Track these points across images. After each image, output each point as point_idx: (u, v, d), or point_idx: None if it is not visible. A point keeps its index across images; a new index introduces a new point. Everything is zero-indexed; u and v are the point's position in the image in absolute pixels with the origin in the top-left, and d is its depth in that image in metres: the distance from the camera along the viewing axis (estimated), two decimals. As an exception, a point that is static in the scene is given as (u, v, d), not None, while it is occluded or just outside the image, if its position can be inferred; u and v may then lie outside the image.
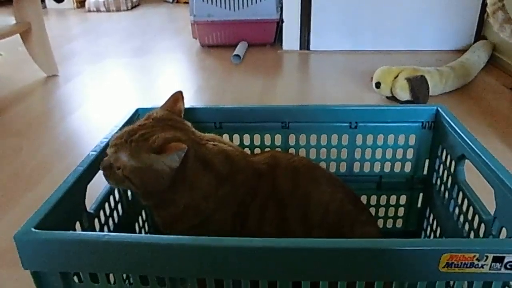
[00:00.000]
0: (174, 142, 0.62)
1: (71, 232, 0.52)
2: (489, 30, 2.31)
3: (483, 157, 0.64)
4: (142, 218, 0.87)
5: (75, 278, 0.53)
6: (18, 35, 2.08)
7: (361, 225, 0.73)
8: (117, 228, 0.74)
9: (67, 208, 0.58)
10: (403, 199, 0.92)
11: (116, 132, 0.68)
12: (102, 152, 0.69)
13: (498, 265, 0.45)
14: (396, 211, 0.93)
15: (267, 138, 0.87)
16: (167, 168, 0.62)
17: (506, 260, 0.44)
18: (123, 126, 0.79)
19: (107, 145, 0.71)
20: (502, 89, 1.89)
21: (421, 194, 0.91)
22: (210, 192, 0.66)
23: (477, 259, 0.45)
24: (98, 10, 4.07)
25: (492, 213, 0.62)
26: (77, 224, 0.62)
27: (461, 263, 0.45)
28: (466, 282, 0.50)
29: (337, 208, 0.72)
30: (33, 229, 0.50)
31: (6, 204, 1.14)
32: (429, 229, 0.87)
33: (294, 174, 0.72)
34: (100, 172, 0.69)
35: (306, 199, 0.70)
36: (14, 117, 1.74)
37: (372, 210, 0.92)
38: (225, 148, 0.70)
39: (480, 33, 2.39)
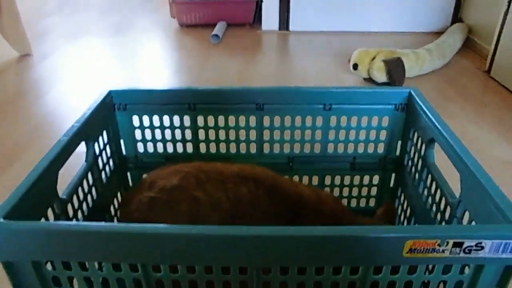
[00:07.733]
0: None
1: (39, 222, 0.51)
2: (466, 12, 2.33)
3: (450, 141, 0.65)
4: (117, 199, 0.86)
5: (48, 266, 0.53)
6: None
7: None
8: (92, 211, 0.73)
9: (38, 195, 0.57)
10: (376, 179, 0.94)
11: None
12: (74, 137, 0.68)
13: (457, 249, 0.46)
14: (369, 191, 0.95)
15: (242, 120, 0.87)
16: None
17: (465, 245, 0.46)
18: (96, 108, 0.78)
19: (78, 130, 0.70)
20: (476, 72, 1.92)
21: (393, 174, 0.93)
22: None
23: (439, 245, 0.46)
24: (73, -15, 3.93)
25: (457, 196, 0.64)
26: (50, 211, 0.61)
27: (424, 248, 0.46)
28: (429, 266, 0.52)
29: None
30: (1, 220, 0.49)
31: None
32: (400, 208, 0.89)
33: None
34: (73, 158, 0.68)
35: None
36: (-15, 97, 1.70)
37: (346, 190, 0.94)
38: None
39: (457, 16, 2.41)
